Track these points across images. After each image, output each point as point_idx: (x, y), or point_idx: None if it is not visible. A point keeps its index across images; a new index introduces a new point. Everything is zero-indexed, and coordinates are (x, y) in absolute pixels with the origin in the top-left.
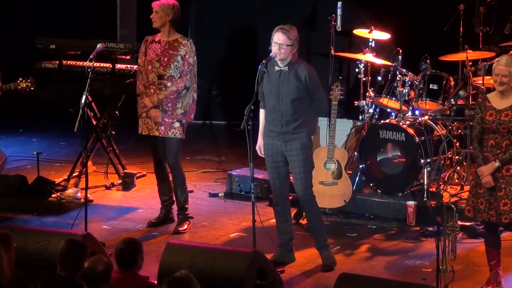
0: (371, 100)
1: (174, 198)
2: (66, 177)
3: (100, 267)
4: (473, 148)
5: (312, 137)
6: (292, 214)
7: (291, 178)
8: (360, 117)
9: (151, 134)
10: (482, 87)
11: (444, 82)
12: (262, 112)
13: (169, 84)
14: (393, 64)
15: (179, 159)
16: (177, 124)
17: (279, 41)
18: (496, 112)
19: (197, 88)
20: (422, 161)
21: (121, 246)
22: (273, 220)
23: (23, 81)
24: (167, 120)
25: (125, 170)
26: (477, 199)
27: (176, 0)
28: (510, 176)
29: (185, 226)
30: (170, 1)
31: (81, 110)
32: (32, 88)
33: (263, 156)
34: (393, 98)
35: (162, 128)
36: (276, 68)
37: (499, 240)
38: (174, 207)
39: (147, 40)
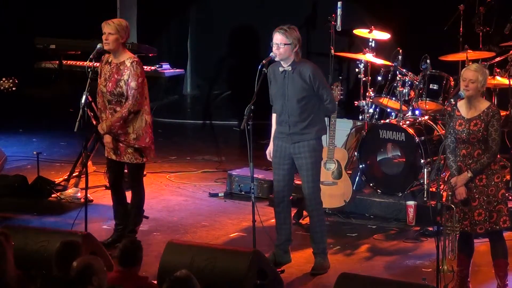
0: (371, 100)
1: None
2: (66, 177)
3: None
4: (445, 158)
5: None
6: (292, 214)
7: (298, 181)
8: (360, 117)
9: (109, 157)
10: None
11: (444, 82)
12: (274, 116)
13: (118, 109)
14: (393, 64)
15: (140, 183)
16: (131, 150)
17: (277, 41)
18: (465, 121)
19: (150, 110)
20: (422, 161)
21: (126, 244)
22: (273, 220)
23: (6, 81)
24: (121, 145)
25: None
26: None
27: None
28: (483, 186)
29: None
30: (123, 21)
31: (81, 110)
32: (14, 89)
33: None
34: (393, 98)
35: (118, 152)
36: (281, 69)
37: (472, 248)
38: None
39: (102, 60)
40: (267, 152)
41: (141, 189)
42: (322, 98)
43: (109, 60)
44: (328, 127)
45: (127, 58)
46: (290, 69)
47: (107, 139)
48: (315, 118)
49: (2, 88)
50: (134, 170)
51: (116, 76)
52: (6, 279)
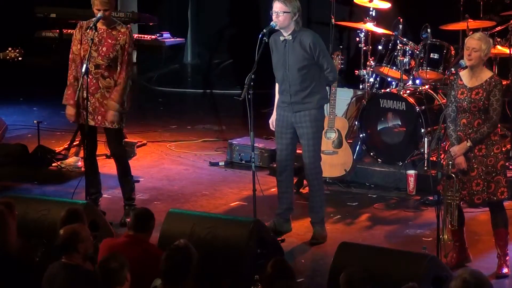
0: (371, 69)
1: (101, 191)
2: (66, 146)
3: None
4: (446, 127)
5: (324, 106)
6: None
7: (299, 150)
8: (361, 86)
9: (88, 125)
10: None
11: (444, 51)
12: (277, 86)
13: (106, 73)
14: (393, 33)
15: (122, 148)
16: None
17: (276, 9)
18: (467, 90)
19: (136, 75)
20: (422, 130)
21: (141, 211)
22: (274, 189)
23: (12, 50)
24: (103, 109)
25: (126, 139)
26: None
27: None
28: (483, 156)
29: None
30: None
31: (81, 79)
32: (20, 58)
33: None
34: (394, 67)
35: (99, 118)
36: (281, 38)
37: (463, 217)
38: (102, 199)
39: (82, 26)
40: (270, 121)
41: (124, 157)
42: (323, 66)
43: (91, 26)
44: (328, 96)
45: (118, 24)
46: (290, 38)
47: (112, 117)
48: (316, 87)
49: (8, 57)
50: (114, 136)
51: (109, 40)
52: (7, 248)
